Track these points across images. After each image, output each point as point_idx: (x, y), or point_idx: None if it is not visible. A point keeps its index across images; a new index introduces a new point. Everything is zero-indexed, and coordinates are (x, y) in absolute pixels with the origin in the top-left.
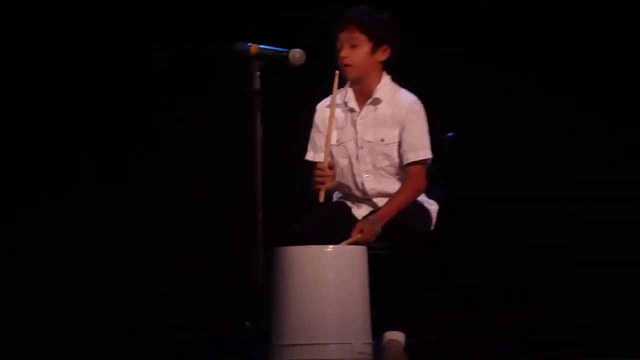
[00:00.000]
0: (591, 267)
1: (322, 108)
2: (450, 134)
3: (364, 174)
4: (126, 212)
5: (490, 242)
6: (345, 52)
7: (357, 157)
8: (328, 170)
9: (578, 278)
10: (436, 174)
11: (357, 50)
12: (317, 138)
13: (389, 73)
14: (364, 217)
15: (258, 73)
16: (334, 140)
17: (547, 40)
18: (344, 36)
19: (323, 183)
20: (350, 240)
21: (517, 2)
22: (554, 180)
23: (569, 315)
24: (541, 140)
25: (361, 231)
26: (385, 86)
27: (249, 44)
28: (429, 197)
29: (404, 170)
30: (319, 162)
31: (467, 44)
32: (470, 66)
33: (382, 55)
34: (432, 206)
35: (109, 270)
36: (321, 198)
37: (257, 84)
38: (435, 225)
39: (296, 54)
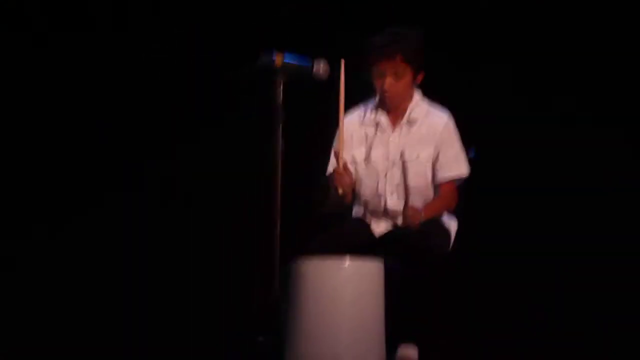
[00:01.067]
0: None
1: (350, 123)
2: (472, 155)
3: (388, 192)
4: (145, 223)
5: (509, 261)
6: (389, 85)
7: (386, 175)
8: (344, 170)
9: (598, 292)
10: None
11: (401, 82)
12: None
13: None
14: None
15: (281, 87)
16: (361, 158)
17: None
18: (386, 66)
19: (344, 183)
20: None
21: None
22: (573, 196)
23: (589, 333)
24: (559, 159)
25: (410, 214)
26: (419, 106)
27: (273, 57)
28: (451, 215)
29: (433, 190)
30: (336, 167)
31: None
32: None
33: (419, 79)
34: (452, 222)
35: (128, 284)
36: (348, 198)
37: (280, 98)
38: (454, 242)
39: (320, 67)
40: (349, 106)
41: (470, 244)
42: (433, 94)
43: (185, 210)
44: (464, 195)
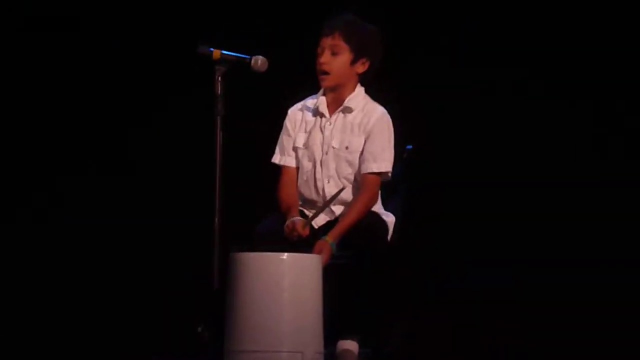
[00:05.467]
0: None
1: (294, 112)
2: (409, 147)
3: (325, 179)
4: (95, 214)
5: (449, 254)
6: (325, 58)
7: (321, 162)
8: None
9: (540, 292)
10: (394, 186)
11: (337, 58)
12: (285, 141)
13: (363, 85)
14: (322, 237)
15: (219, 78)
16: (301, 143)
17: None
18: (326, 42)
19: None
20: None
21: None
22: (515, 190)
23: (533, 327)
24: (499, 148)
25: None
26: (358, 96)
27: (211, 48)
28: (386, 209)
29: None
30: (296, 222)
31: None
32: (434, 75)
33: (361, 67)
34: (389, 218)
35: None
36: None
37: (219, 89)
38: (392, 237)
39: (259, 61)
40: (288, 100)
41: (411, 238)
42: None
43: (128, 201)
44: (404, 193)
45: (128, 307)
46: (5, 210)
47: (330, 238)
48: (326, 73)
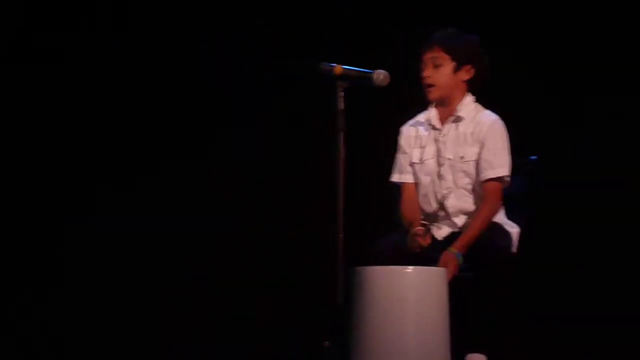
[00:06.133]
0: None
1: (407, 129)
2: (532, 157)
3: (444, 191)
4: (209, 228)
5: (575, 266)
6: (428, 72)
7: (439, 175)
8: (422, 229)
9: None
10: (520, 197)
11: (439, 70)
12: (402, 159)
13: (473, 94)
14: (447, 249)
15: (342, 93)
16: (417, 158)
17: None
18: (427, 56)
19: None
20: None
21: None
22: None
23: None
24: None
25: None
26: (468, 105)
27: (333, 64)
28: (510, 219)
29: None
30: (417, 231)
31: (551, 70)
32: (554, 89)
33: (466, 74)
34: (514, 229)
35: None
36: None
37: (341, 104)
38: (517, 248)
39: (380, 75)
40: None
41: (538, 249)
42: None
43: (249, 213)
44: (528, 204)
45: (255, 322)
46: (37, 213)
47: (455, 249)
48: (431, 85)
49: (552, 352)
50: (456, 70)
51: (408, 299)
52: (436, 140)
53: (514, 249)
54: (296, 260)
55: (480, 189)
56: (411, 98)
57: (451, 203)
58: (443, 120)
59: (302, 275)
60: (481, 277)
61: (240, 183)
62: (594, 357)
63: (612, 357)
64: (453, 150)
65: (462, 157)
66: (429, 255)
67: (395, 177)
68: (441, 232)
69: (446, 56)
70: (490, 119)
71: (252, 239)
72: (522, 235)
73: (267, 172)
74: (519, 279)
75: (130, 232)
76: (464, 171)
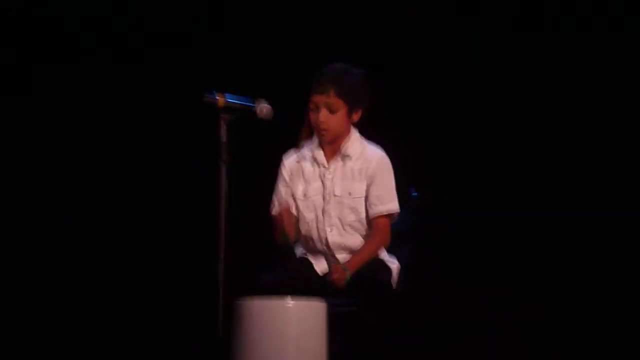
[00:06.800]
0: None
1: (290, 162)
2: (414, 194)
3: (327, 228)
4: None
5: (457, 301)
6: (323, 117)
7: (323, 211)
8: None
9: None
10: (401, 233)
11: (335, 116)
12: (283, 191)
13: (356, 127)
14: (335, 264)
15: (225, 126)
16: (300, 194)
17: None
18: (320, 99)
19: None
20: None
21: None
22: (522, 238)
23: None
24: (511, 195)
25: (333, 276)
26: (355, 142)
27: (216, 96)
28: (391, 255)
29: (369, 225)
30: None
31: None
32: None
33: (355, 117)
34: (394, 264)
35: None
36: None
37: (224, 136)
38: (397, 284)
39: (263, 109)
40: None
41: (418, 285)
42: (373, 134)
43: (131, 249)
44: (411, 240)
45: (139, 351)
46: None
47: (345, 265)
48: (326, 130)
49: None
50: (349, 114)
51: (288, 331)
52: (322, 177)
53: (394, 284)
54: (178, 291)
55: (365, 227)
56: (295, 130)
57: (333, 239)
58: (329, 157)
59: (184, 308)
60: (362, 310)
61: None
62: None
63: None
64: (341, 186)
65: (350, 194)
66: (311, 289)
67: (274, 211)
68: (322, 266)
69: (341, 102)
70: (377, 154)
71: (139, 273)
72: (402, 270)
73: (151, 202)
74: (398, 313)
75: None
76: (351, 207)
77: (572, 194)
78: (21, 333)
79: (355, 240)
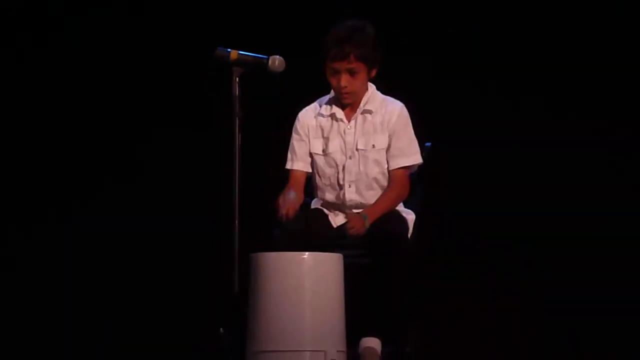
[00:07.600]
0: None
1: (307, 117)
2: (427, 144)
3: (347, 184)
4: (108, 219)
5: (469, 251)
6: (345, 81)
7: (344, 168)
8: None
9: (564, 288)
10: (414, 183)
11: (357, 78)
12: (298, 147)
13: (372, 81)
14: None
15: (237, 79)
16: (319, 150)
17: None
18: (341, 65)
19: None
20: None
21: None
22: (532, 192)
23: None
24: (519, 151)
25: (352, 225)
26: (374, 97)
27: (229, 49)
28: (406, 206)
29: (389, 179)
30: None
31: (445, 55)
32: (446, 75)
33: (373, 73)
34: (409, 215)
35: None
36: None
37: (237, 91)
38: (412, 235)
39: (276, 61)
40: (303, 102)
41: (431, 235)
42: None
43: (145, 204)
44: (423, 188)
45: (149, 311)
46: (25, 214)
47: (365, 212)
48: (349, 93)
49: (445, 337)
50: (369, 74)
51: (304, 284)
52: (342, 133)
53: (410, 235)
54: (194, 248)
55: (386, 179)
56: (309, 83)
57: (350, 197)
58: (349, 113)
59: (200, 264)
60: (378, 262)
61: (138, 171)
62: (487, 341)
63: (506, 340)
64: (364, 140)
65: (374, 146)
66: (325, 242)
67: (289, 165)
68: (337, 219)
69: (362, 65)
70: (397, 107)
71: (152, 229)
72: (416, 221)
73: (163, 160)
74: (414, 265)
75: None
76: (376, 160)
77: None
78: (21, 333)
79: (372, 198)
